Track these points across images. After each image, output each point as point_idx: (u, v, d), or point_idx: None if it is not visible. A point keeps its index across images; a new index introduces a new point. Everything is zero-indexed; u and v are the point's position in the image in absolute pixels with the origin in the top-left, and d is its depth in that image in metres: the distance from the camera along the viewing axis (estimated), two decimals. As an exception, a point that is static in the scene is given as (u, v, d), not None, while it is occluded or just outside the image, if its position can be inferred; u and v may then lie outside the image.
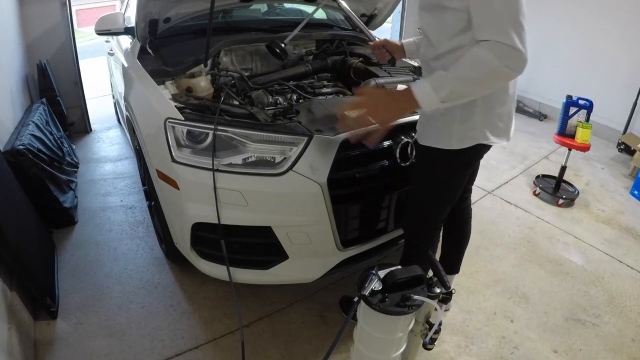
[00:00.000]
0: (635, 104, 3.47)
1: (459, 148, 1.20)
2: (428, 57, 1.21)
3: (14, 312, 1.49)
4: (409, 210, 1.46)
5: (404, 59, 2.26)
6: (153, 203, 1.85)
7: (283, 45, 1.92)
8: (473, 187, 1.63)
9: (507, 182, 2.94)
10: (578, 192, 2.76)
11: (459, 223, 1.62)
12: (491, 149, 1.29)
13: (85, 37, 8.82)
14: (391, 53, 1.60)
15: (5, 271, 1.56)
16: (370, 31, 2.44)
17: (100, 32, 2.15)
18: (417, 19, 5.38)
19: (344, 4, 1.84)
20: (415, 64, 2.25)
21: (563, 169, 2.70)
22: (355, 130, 1.09)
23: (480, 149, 1.24)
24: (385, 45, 1.60)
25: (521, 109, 4.34)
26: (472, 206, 1.65)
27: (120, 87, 2.27)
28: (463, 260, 1.72)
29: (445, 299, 1.20)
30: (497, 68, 0.96)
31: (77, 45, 3.47)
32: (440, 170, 1.29)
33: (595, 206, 2.68)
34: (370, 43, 1.63)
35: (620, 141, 3.52)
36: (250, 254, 1.56)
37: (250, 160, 1.41)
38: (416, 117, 1.60)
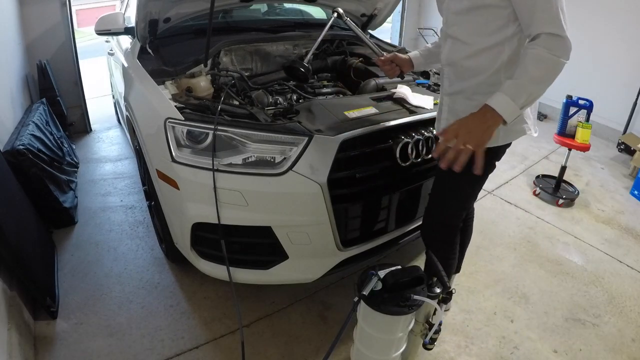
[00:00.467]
0: (635, 104, 3.48)
1: (503, 144, 1.24)
2: (456, 57, 1.22)
3: (14, 312, 1.49)
4: (431, 215, 1.44)
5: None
6: (153, 203, 1.85)
7: (307, 65, 1.79)
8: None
9: (507, 182, 2.94)
10: (578, 192, 2.76)
11: (463, 221, 1.61)
12: None
13: (85, 37, 8.83)
14: (400, 67, 1.61)
15: (5, 271, 1.56)
16: (371, 31, 2.44)
17: (100, 32, 2.15)
18: (417, 19, 5.41)
19: (352, 24, 1.82)
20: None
21: (563, 169, 2.70)
22: (459, 159, 1.07)
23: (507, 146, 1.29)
24: (394, 60, 1.61)
25: (521, 109, 4.34)
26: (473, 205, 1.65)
27: (120, 87, 2.27)
28: (463, 260, 1.72)
29: (446, 299, 1.21)
30: (555, 62, 1.02)
31: (77, 45, 3.47)
32: (468, 168, 1.27)
33: (595, 206, 2.69)
34: (381, 58, 1.63)
35: (620, 141, 3.52)
36: (250, 254, 1.56)
37: (250, 160, 1.41)
38: (416, 117, 1.61)
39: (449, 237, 1.44)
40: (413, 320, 1.25)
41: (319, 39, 1.83)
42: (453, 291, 1.43)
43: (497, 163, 1.34)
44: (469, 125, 1.07)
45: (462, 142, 1.05)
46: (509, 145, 1.30)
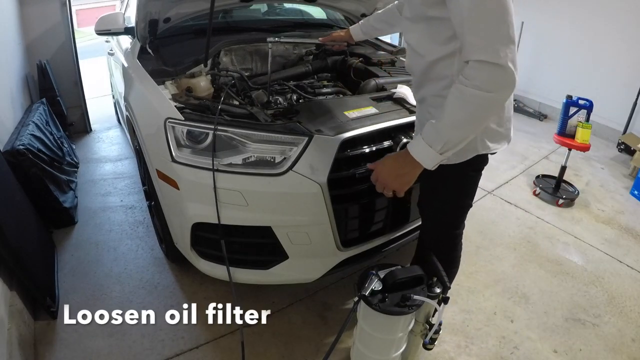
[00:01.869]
0: (635, 104, 3.48)
1: (457, 162, 1.14)
2: (416, 70, 1.15)
3: (14, 312, 1.49)
4: (425, 225, 1.39)
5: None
6: (153, 203, 1.85)
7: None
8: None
9: (507, 182, 2.94)
10: (578, 192, 2.76)
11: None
12: None
13: (85, 37, 8.80)
14: (343, 41, 1.83)
15: (5, 271, 1.56)
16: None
17: (100, 32, 2.15)
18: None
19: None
20: None
21: (563, 169, 2.70)
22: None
23: (484, 157, 1.19)
24: (334, 39, 1.84)
25: (521, 109, 4.34)
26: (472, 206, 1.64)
27: (120, 87, 2.26)
28: (463, 260, 1.71)
29: (445, 298, 1.21)
30: (481, 98, 0.89)
31: (77, 45, 3.46)
32: (445, 183, 1.24)
33: (595, 206, 2.68)
34: (321, 40, 1.87)
35: (620, 141, 3.52)
36: (251, 254, 1.56)
37: (250, 160, 1.41)
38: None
39: (451, 246, 1.39)
40: (413, 320, 1.25)
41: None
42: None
43: (495, 163, 1.31)
44: (386, 170, 1.07)
45: (382, 186, 1.07)
46: (479, 161, 1.18)
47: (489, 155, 1.22)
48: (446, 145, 0.95)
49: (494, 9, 0.86)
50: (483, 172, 1.28)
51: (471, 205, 1.32)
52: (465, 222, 1.37)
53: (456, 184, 1.23)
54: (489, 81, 0.87)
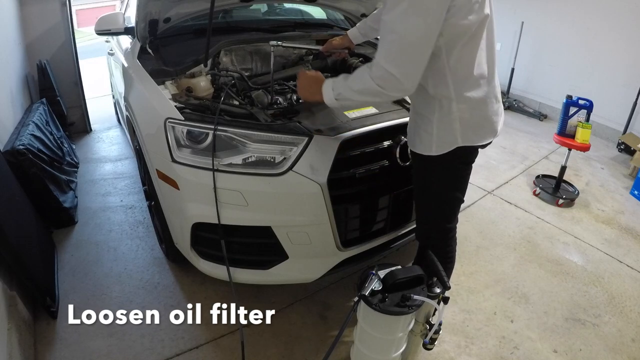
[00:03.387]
0: (635, 104, 3.47)
1: (438, 154, 1.20)
2: None
3: (14, 312, 1.49)
4: (418, 218, 1.43)
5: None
6: (153, 203, 1.85)
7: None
8: (473, 187, 1.62)
9: (507, 182, 2.93)
10: (578, 192, 2.76)
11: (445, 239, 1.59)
12: (491, 148, 1.28)
13: (85, 37, 8.81)
14: (343, 48, 1.82)
15: (5, 271, 1.56)
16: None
17: (100, 32, 2.15)
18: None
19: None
20: None
21: (563, 169, 2.70)
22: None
23: (470, 149, 1.23)
24: (334, 46, 1.82)
25: (521, 109, 4.34)
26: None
27: (120, 87, 2.26)
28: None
29: (445, 298, 1.21)
30: (372, 87, 1.08)
31: (77, 45, 3.47)
32: (433, 175, 1.28)
33: (595, 206, 2.69)
34: (322, 50, 1.87)
35: (620, 141, 3.52)
36: (250, 254, 1.56)
37: (250, 160, 1.42)
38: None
39: (444, 241, 1.41)
40: (413, 320, 1.25)
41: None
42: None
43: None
44: (304, 79, 1.32)
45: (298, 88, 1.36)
46: (465, 153, 1.22)
47: (480, 150, 1.27)
48: (339, 96, 1.19)
49: (404, 33, 1.01)
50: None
51: (462, 200, 1.36)
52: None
53: (444, 176, 1.28)
54: (381, 80, 1.06)
